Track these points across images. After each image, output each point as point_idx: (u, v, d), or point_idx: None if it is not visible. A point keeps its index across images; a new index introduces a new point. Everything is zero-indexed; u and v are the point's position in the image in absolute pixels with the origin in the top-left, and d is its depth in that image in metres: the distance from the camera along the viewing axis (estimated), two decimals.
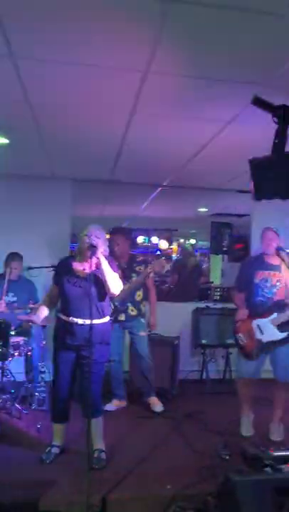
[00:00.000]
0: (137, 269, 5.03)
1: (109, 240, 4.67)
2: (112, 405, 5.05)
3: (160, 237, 11.57)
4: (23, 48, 2.68)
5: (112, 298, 4.23)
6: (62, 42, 2.60)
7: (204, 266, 10.25)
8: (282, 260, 4.28)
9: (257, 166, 3.00)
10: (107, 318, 3.81)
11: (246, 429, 4.42)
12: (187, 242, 13.26)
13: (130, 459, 3.83)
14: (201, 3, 2.17)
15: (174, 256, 12.07)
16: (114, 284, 3.67)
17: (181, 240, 13.64)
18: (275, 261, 4.32)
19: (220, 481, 3.12)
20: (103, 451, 3.80)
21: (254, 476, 2.97)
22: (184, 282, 6.50)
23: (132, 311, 4.96)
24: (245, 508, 2.60)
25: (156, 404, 5.04)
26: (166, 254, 10.35)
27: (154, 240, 11.83)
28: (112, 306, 4.77)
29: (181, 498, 3.23)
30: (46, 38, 2.56)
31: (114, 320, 4.82)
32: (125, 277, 4.88)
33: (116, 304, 4.78)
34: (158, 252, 12.29)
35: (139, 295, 5.04)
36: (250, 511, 2.61)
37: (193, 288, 8.18)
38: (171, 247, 9.86)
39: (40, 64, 2.87)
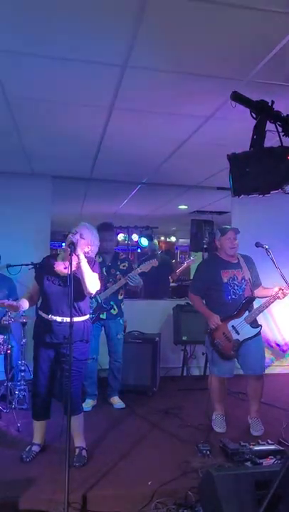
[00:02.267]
0: (121, 266, 5.08)
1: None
2: (86, 405, 4.84)
3: (141, 235, 11.50)
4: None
5: (92, 296, 4.22)
6: (39, 35, 2.57)
7: (190, 260, 9.95)
8: (238, 259, 4.44)
9: (235, 162, 3.01)
10: (86, 316, 3.80)
11: (222, 426, 4.44)
12: (168, 240, 13.26)
13: (111, 456, 3.83)
14: None
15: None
16: (91, 284, 3.63)
17: (162, 238, 13.62)
18: (234, 259, 4.45)
19: (201, 476, 3.14)
20: (84, 448, 3.78)
21: (234, 471, 2.98)
22: (152, 280, 6.29)
23: (114, 310, 4.98)
24: (226, 502, 2.62)
25: (118, 402, 5.11)
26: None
27: (135, 237, 11.75)
28: (95, 303, 4.78)
29: (162, 493, 3.23)
30: (23, 30, 2.53)
31: (96, 318, 4.82)
32: (109, 274, 4.96)
33: (100, 301, 4.77)
34: (139, 250, 12.21)
35: (121, 293, 5.07)
36: (231, 505, 2.62)
37: (162, 286, 8.03)
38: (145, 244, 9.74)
39: (17, 57, 2.83)
